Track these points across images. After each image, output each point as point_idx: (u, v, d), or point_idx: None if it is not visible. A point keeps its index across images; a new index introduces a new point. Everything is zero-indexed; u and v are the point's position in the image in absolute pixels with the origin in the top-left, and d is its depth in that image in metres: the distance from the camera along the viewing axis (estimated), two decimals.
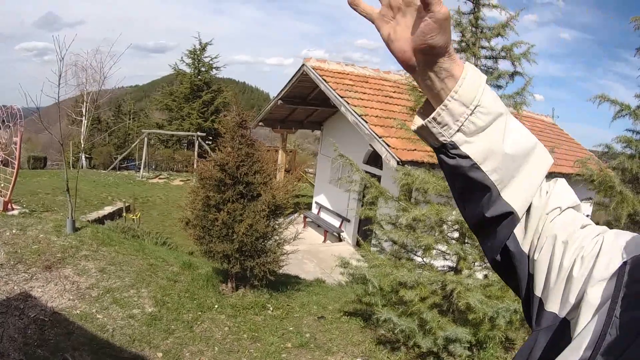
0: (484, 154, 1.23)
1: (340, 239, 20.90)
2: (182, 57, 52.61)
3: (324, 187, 23.52)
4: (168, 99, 51.04)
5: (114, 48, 54.40)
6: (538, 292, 1.26)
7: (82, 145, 36.46)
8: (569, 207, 1.32)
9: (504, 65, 8.87)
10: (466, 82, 1.20)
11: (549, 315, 1.21)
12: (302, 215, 22.67)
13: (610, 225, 8.18)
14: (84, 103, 39.62)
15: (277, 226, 11.26)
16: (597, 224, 1.22)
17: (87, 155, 37.42)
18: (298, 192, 25.55)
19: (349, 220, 20.92)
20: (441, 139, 1.24)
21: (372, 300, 9.66)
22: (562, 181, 1.38)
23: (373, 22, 1.25)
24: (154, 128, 44.65)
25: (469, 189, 1.29)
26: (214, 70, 52.97)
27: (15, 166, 13.71)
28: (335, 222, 21.60)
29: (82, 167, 27.28)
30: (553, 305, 1.21)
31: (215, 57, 53.02)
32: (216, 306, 10.64)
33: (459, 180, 1.29)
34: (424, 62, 1.20)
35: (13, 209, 14.27)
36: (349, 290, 11.72)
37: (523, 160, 1.27)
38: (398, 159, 12.67)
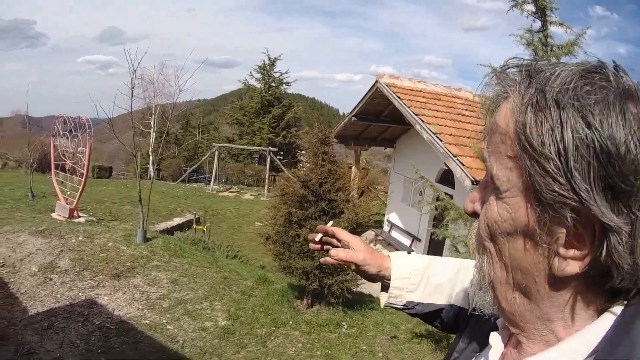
0: (428, 294, 1.90)
1: None
2: (251, 72, 53.55)
3: (396, 206, 23.08)
4: (238, 114, 51.76)
5: (181, 62, 55.09)
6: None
7: (151, 157, 36.78)
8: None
9: None
10: (395, 267, 1.92)
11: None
12: (373, 233, 22.38)
13: None
14: (152, 115, 39.98)
15: None
16: None
17: (156, 167, 37.68)
18: (377, 211, 25.30)
19: (419, 240, 20.45)
20: (400, 304, 1.92)
21: None
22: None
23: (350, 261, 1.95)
24: (224, 142, 45.05)
25: (433, 317, 1.95)
26: (283, 85, 53.50)
27: (84, 174, 13.76)
28: (406, 241, 21.17)
29: (150, 178, 27.48)
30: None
31: (285, 73, 53.56)
32: (290, 322, 10.54)
33: (425, 317, 1.97)
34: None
35: (79, 217, 14.35)
36: None
37: (453, 281, 1.91)
38: (473, 179, 12.29)
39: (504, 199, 1.00)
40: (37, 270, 10.22)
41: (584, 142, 0.85)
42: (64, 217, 13.83)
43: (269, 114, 50.12)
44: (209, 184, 36.00)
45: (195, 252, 13.65)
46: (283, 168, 32.90)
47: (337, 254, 1.89)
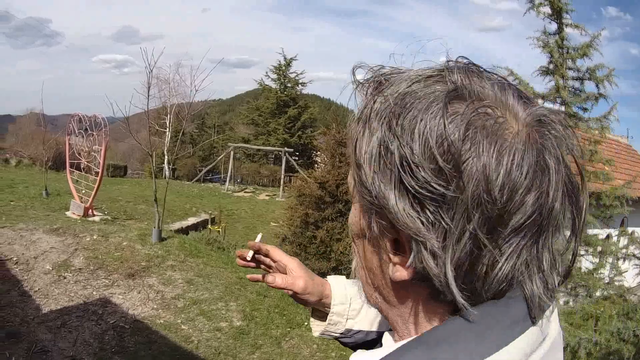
0: (369, 320, 1.74)
1: None
2: (267, 73, 53.84)
3: None
4: (254, 114, 52.16)
5: (196, 62, 55.22)
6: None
7: (166, 157, 36.94)
8: None
9: (588, 87, 8.61)
10: (335, 292, 1.76)
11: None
12: None
13: None
14: (168, 115, 40.21)
15: None
16: None
17: (172, 167, 37.84)
18: None
19: None
20: (338, 332, 1.76)
21: None
22: None
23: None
24: (240, 142, 45.22)
25: (371, 345, 1.60)
26: (299, 86, 53.74)
27: (99, 173, 13.74)
28: None
29: (165, 178, 27.61)
30: None
31: (301, 73, 53.76)
32: (305, 323, 10.43)
33: (359, 347, 1.52)
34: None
35: (94, 215, 14.35)
36: None
37: None
38: None
39: (354, 203, 1.04)
40: (50, 269, 10.22)
41: (388, 150, 0.86)
42: (79, 215, 13.87)
43: (285, 114, 50.38)
44: (224, 184, 36.16)
45: (210, 252, 13.62)
46: (299, 169, 32.98)
47: (275, 281, 1.73)
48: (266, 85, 53.48)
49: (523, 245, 0.84)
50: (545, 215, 0.83)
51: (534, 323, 0.89)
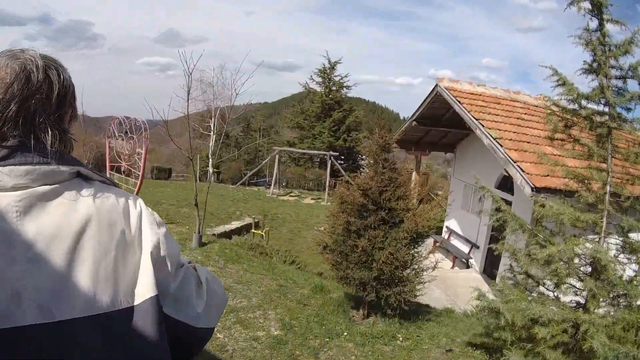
0: None
1: (468, 266, 20.11)
2: (311, 76, 54.03)
3: (455, 212, 22.63)
4: (299, 117, 52.32)
5: (240, 65, 55.41)
6: None
7: (210, 160, 37.17)
8: None
9: (631, 85, 8.37)
10: None
11: None
12: (433, 240, 21.88)
13: None
14: (212, 118, 40.40)
15: (416, 254, 10.81)
16: None
17: (215, 170, 38.01)
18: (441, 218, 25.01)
19: (478, 247, 20.01)
20: None
21: (502, 335, 9.11)
22: None
23: None
24: (285, 146, 45.52)
25: None
26: (344, 89, 53.76)
27: (139, 176, 13.78)
28: (465, 248, 20.74)
29: (209, 181, 27.84)
30: None
31: (346, 76, 53.98)
32: (345, 333, 10.29)
33: None
34: None
35: None
36: (477, 322, 11.13)
37: None
38: (532, 185, 11.99)
39: None
40: None
41: None
42: None
43: (330, 117, 50.42)
44: (268, 188, 36.40)
45: (251, 258, 13.61)
46: (343, 172, 33.06)
47: None
48: (311, 88, 53.75)
49: None
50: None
51: None
